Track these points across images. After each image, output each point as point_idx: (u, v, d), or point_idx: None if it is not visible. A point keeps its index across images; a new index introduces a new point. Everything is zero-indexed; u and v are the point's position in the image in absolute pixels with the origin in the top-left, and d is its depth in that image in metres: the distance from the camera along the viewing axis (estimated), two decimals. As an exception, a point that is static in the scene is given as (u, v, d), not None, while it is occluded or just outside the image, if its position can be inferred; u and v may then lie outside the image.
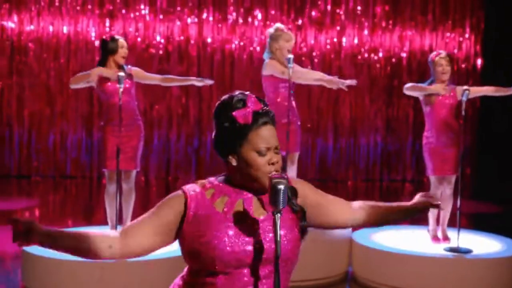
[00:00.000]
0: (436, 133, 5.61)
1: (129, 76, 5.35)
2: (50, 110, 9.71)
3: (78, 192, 9.20)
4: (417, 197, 2.55)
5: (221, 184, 2.28)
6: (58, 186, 9.47)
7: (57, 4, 9.61)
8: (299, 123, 5.99)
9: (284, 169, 5.68)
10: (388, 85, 10.40)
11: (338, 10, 10.19)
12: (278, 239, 2.06)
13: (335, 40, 10.23)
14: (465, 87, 5.50)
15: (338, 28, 10.21)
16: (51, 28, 9.60)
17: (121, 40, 5.38)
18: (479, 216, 8.43)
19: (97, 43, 9.37)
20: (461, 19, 10.44)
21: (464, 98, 5.29)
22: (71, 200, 8.81)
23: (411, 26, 10.40)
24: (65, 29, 9.64)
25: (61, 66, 9.66)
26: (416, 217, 2.61)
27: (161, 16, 9.82)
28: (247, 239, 2.17)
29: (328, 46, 10.23)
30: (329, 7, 10.17)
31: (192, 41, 9.84)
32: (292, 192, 2.27)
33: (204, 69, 9.85)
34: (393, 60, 10.33)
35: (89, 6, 9.66)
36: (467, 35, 10.46)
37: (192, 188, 2.27)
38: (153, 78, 5.65)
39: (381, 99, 10.39)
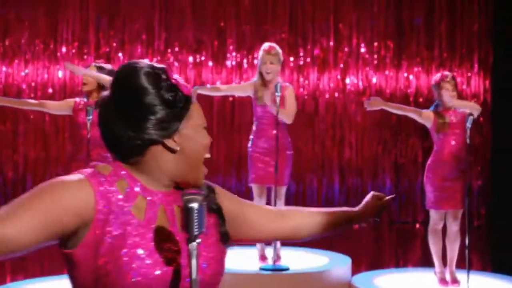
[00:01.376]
0: (442, 164, 5.29)
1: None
2: (45, 155, 9.45)
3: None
4: (367, 198, 2.09)
5: (133, 177, 1.69)
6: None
7: (51, 47, 9.42)
8: (288, 152, 5.71)
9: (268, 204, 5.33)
10: (396, 124, 10.07)
11: (341, 48, 9.93)
12: (194, 277, 1.53)
13: (338, 77, 9.95)
14: (468, 111, 5.17)
15: (341, 66, 9.94)
16: (45, 74, 9.40)
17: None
18: (492, 255, 8.00)
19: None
20: (469, 53, 10.13)
21: (469, 125, 4.96)
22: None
23: (417, 62, 10.10)
24: (60, 74, 9.43)
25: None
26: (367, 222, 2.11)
27: (158, 58, 9.60)
28: (164, 261, 1.63)
29: (332, 85, 9.94)
30: (331, 44, 9.91)
31: (191, 83, 9.59)
32: (210, 190, 1.82)
33: (204, 110, 9.55)
34: (399, 98, 10.00)
35: (85, 50, 9.46)
36: (475, 70, 10.14)
37: (94, 176, 1.64)
38: None
39: (388, 138, 10.04)
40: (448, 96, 5.24)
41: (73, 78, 9.40)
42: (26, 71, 9.40)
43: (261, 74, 5.84)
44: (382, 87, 10.01)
